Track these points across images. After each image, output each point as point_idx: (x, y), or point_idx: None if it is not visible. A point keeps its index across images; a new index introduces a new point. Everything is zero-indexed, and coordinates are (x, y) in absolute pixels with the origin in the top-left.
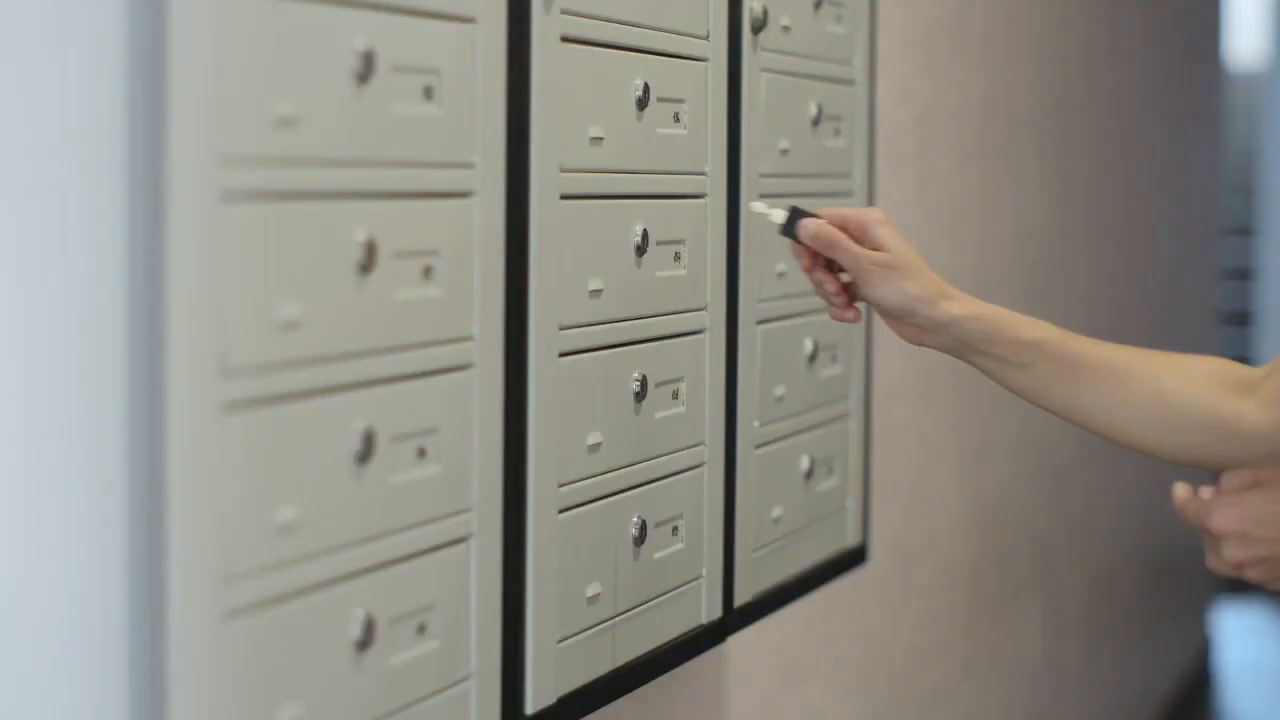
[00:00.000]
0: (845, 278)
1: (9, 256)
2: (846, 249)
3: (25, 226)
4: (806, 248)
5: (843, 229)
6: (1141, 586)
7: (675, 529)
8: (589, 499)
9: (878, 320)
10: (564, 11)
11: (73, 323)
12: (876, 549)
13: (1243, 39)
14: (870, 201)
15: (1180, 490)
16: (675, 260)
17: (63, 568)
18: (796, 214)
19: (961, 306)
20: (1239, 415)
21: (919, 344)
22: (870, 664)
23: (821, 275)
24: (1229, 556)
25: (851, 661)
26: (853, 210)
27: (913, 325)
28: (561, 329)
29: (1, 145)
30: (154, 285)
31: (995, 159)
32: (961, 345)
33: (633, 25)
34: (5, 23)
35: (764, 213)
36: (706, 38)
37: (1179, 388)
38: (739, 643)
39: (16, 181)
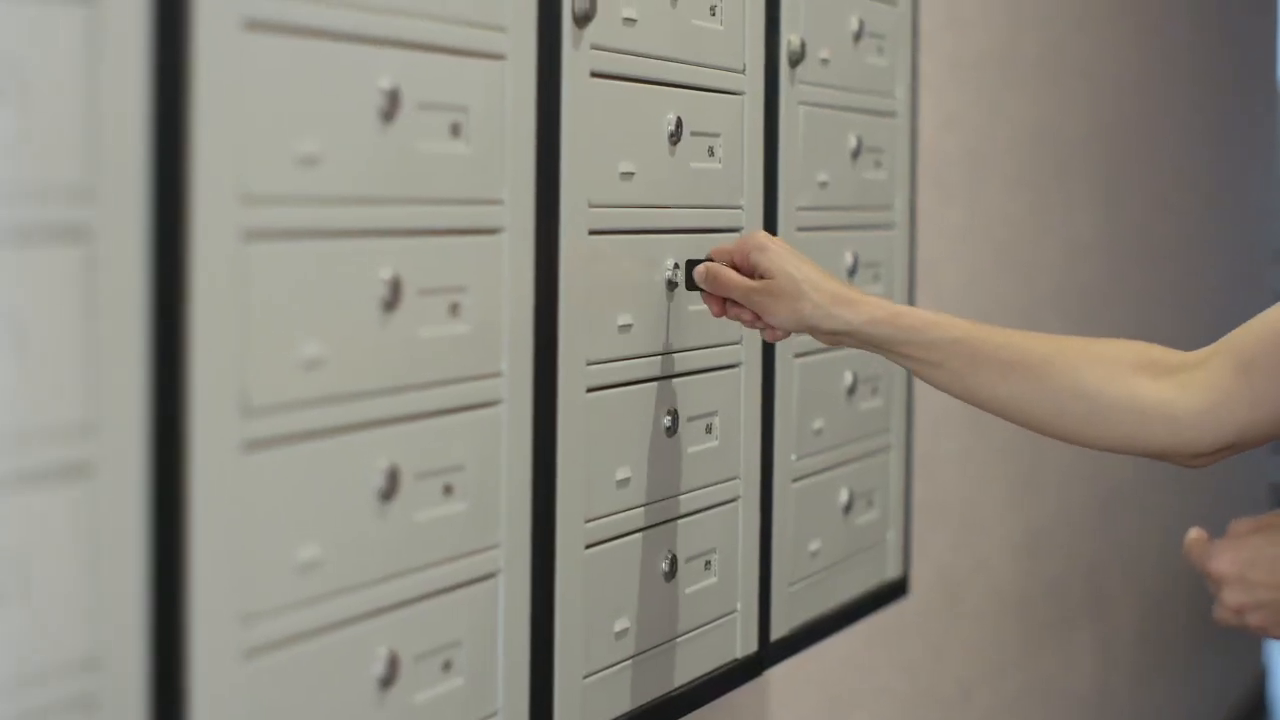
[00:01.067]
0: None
1: (29, 293)
2: (734, 285)
3: (45, 263)
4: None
5: (732, 263)
6: (1195, 614)
7: (708, 563)
8: (617, 534)
9: None
10: (594, 47)
11: (93, 361)
12: (923, 578)
13: None
14: (913, 232)
15: (1192, 533)
16: None
17: (81, 607)
18: (690, 265)
19: (861, 312)
20: (1162, 402)
21: (838, 345)
22: (915, 695)
23: (735, 311)
24: (1228, 601)
25: (896, 693)
26: (736, 242)
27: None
28: (590, 364)
29: (24, 182)
30: (174, 325)
31: (1045, 185)
32: (871, 348)
33: (665, 60)
34: (29, 59)
35: (674, 278)
36: (743, 71)
37: (1099, 378)
38: (781, 675)
39: (39, 218)
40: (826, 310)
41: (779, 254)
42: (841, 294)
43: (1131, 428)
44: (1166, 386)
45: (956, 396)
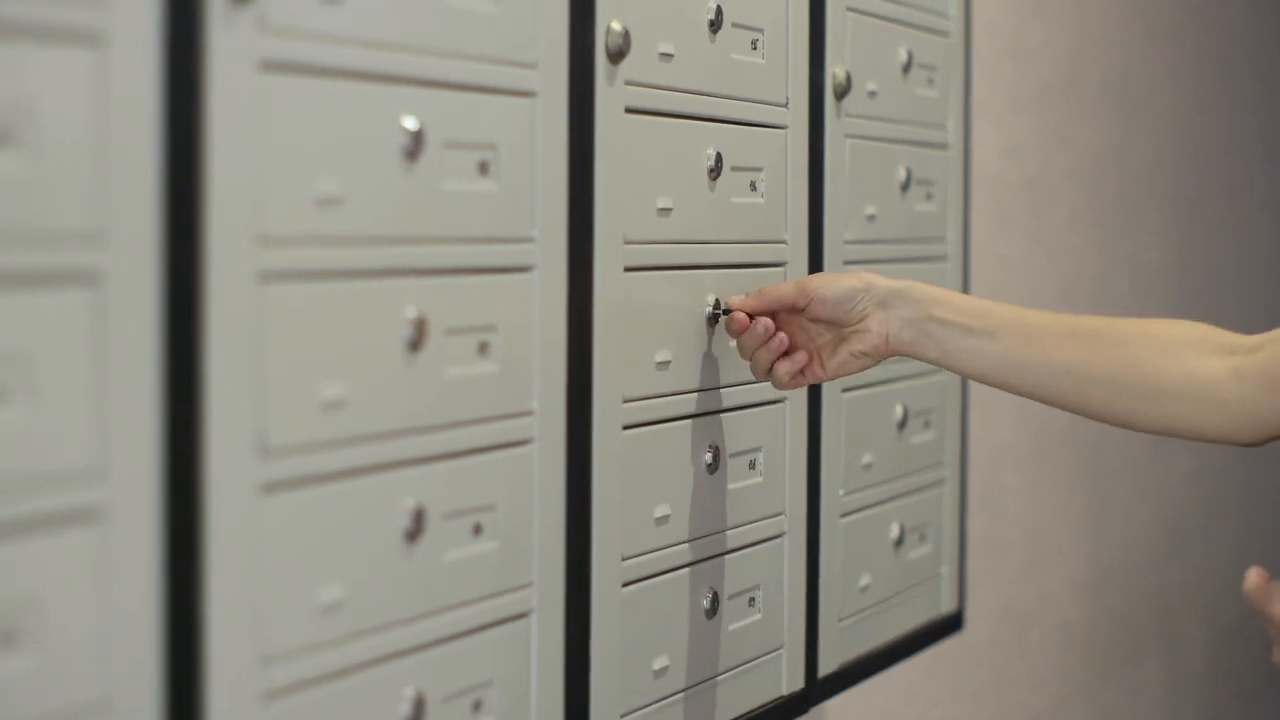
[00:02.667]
0: (797, 360)
1: (40, 336)
2: (782, 291)
3: (56, 307)
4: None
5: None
6: (1268, 647)
7: (752, 600)
8: (656, 571)
9: (974, 384)
10: (629, 83)
11: (104, 404)
12: (986, 611)
13: None
14: (967, 263)
15: (1253, 575)
16: None
17: (93, 650)
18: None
19: (907, 282)
20: (1216, 383)
21: (881, 354)
22: None
23: (781, 365)
24: None
25: None
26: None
27: (867, 324)
28: (627, 401)
29: (33, 226)
30: (189, 368)
31: (1111, 215)
32: (921, 319)
33: (704, 95)
34: (38, 102)
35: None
36: (786, 105)
37: (1154, 353)
38: (840, 709)
39: (49, 262)
40: (873, 281)
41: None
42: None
43: (1184, 407)
44: (1221, 367)
45: (994, 377)
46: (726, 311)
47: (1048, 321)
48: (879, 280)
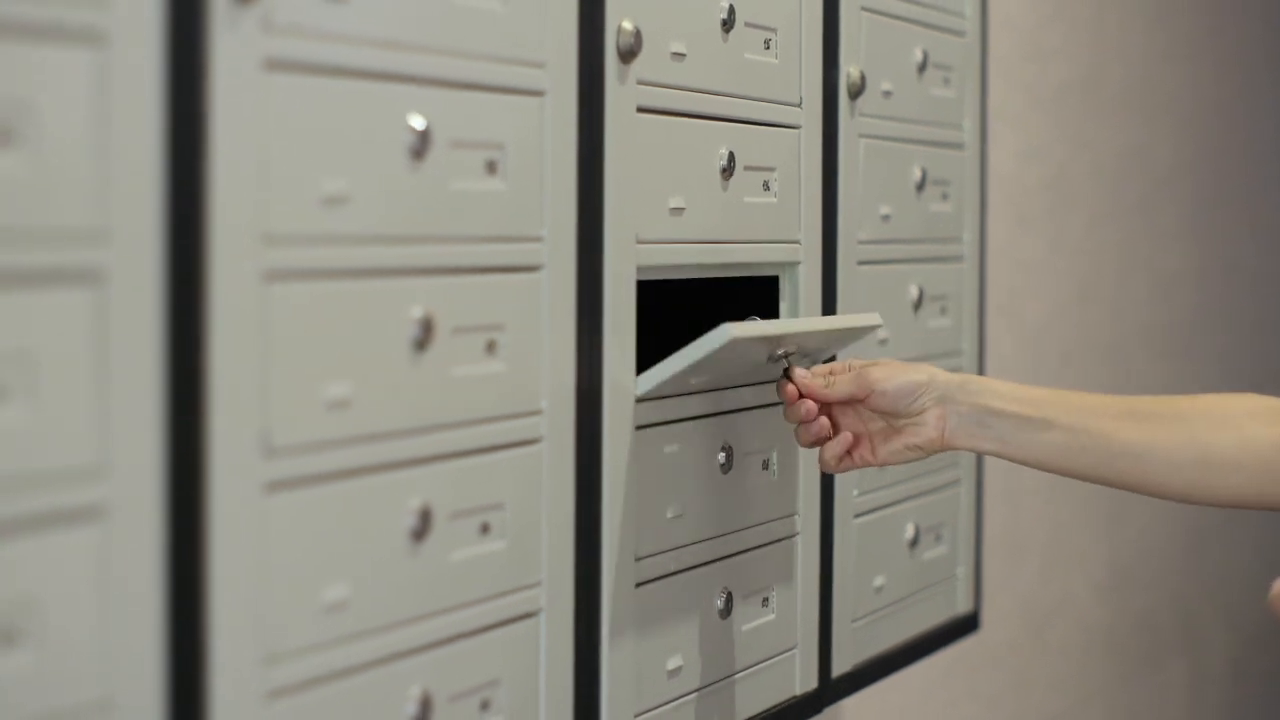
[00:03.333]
0: (843, 441)
1: (41, 335)
2: (836, 388)
3: (58, 306)
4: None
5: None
6: None
7: (766, 600)
8: (669, 571)
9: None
10: (640, 82)
11: (106, 403)
12: (1005, 613)
13: None
14: (983, 264)
15: (1276, 586)
16: None
17: (94, 649)
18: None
19: (965, 375)
20: (1277, 449)
21: (935, 449)
22: None
23: (828, 447)
24: None
25: None
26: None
27: (924, 419)
28: (639, 401)
29: (35, 225)
30: (192, 367)
31: (1131, 217)
32: (979, 412)
33: (716, 94)
34: (39, 101)
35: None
36: (799, 105)
37: (1210, 427)
38: (858, 709)
39: (50, 261)
40: (933, 374)
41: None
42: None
43: (1247, 477)
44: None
45: (1055, 464)
46: (786, 371)
47: (1103, 404)
48: (940, 375)
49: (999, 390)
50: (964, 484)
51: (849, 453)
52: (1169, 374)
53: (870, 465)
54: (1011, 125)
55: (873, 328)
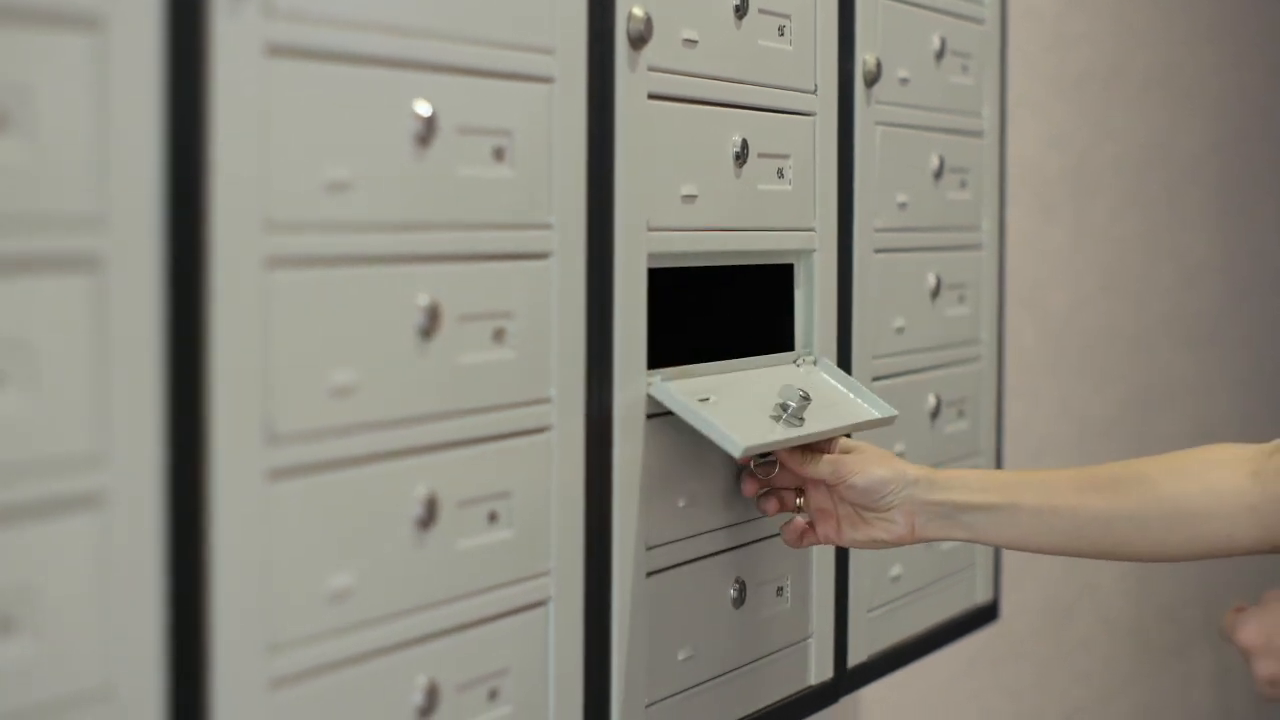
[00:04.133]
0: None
1: (39, 322)
2: (813, 467)
3: (55, 292)
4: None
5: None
6: None
7: (780, 589)
8: (680, 561)
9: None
10: (651, 69)
11: (105, 390)
12: (1028, 604)
13: None
14: (1002, 252)
15: (1229, 613)
16: None
17: (93, 637)
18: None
19: (929, 471)
20: (1238, 492)
21: (904, 542)
22: (1021, 719)
23: (788, 529)
24: (1258, 672)
25: (1000, 716)
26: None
27: (893, 515)
28: (650, 389)
29: (32, 211)
30: (193, 354)
31: (1155, 205)
32: (946, 506)
33: (729, 81)
34: (36, 86)
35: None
36: (814, 92)
37: (1172, 481)
38: (879, 700)
39: (48, 247)
40: (901, 470)
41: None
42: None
43: (1213, 525)
44: (1240, 475)
45: (1036, 545)
46: (765, 456)
47: (1066, 479)
48: (909, 471)
49: (965, 481)
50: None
51: (812, 527)
52: (1194, 364)
53: (832, 544)
54: (1034, 113)
55: (889, 419)
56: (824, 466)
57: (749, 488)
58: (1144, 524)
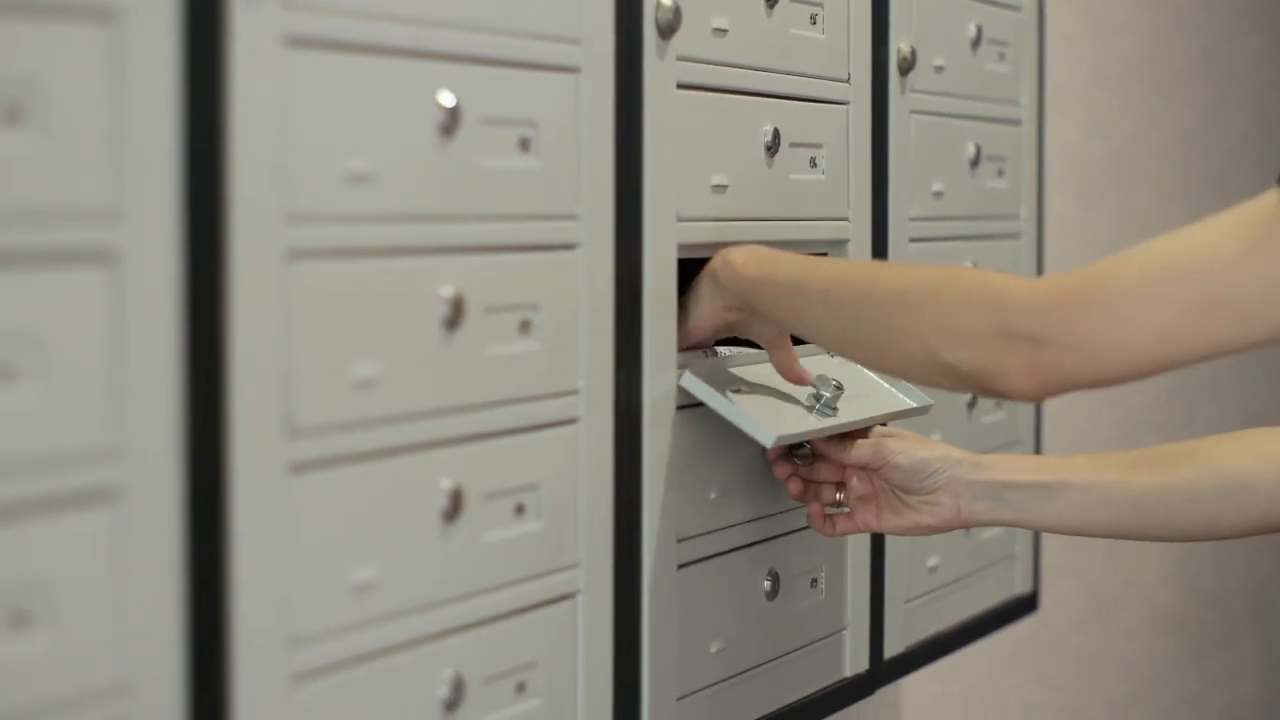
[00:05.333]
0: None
1: (54, 316)
2: (854, 451)
3: (71, 286)
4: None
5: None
6: None
7: (814, 581)
8: (712, 553)
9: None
10: (681, 58)
11: (121, 384)
12: (1070, 596)
13: None
14: (1040, 241)
15: None
16: None
17: (111, 632)
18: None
19: (975, 455)
20: None
21: (950, 526)
22: (1063, 712)
23: (814, 508)
24: None
25: (1043, 709)
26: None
27: (939, 498)
28: (680, 380)
29: (47, 204)
30: (212, 347)
31: (1199, 192)
32: (993, 486)
33: (759, 70)
34: (51, 80)
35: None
36: (847, 80)
37: (1224, 455)
38: (918, 689)
39: (62, 240)
40: (947, 451)
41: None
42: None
43: (1270, 496)
44: None
45: (1086, 524)
46: (799, 447)
47: (1115, 458)
48: (953, 453)
49: (1011, 464)
50: None
51: (849, 517)
52: (1237, 358)
53: (871, 530)
54: (1077, 101)
55: (924, 408)
56: (864, 450)
57: (782, 469)
58: (1198, 497)
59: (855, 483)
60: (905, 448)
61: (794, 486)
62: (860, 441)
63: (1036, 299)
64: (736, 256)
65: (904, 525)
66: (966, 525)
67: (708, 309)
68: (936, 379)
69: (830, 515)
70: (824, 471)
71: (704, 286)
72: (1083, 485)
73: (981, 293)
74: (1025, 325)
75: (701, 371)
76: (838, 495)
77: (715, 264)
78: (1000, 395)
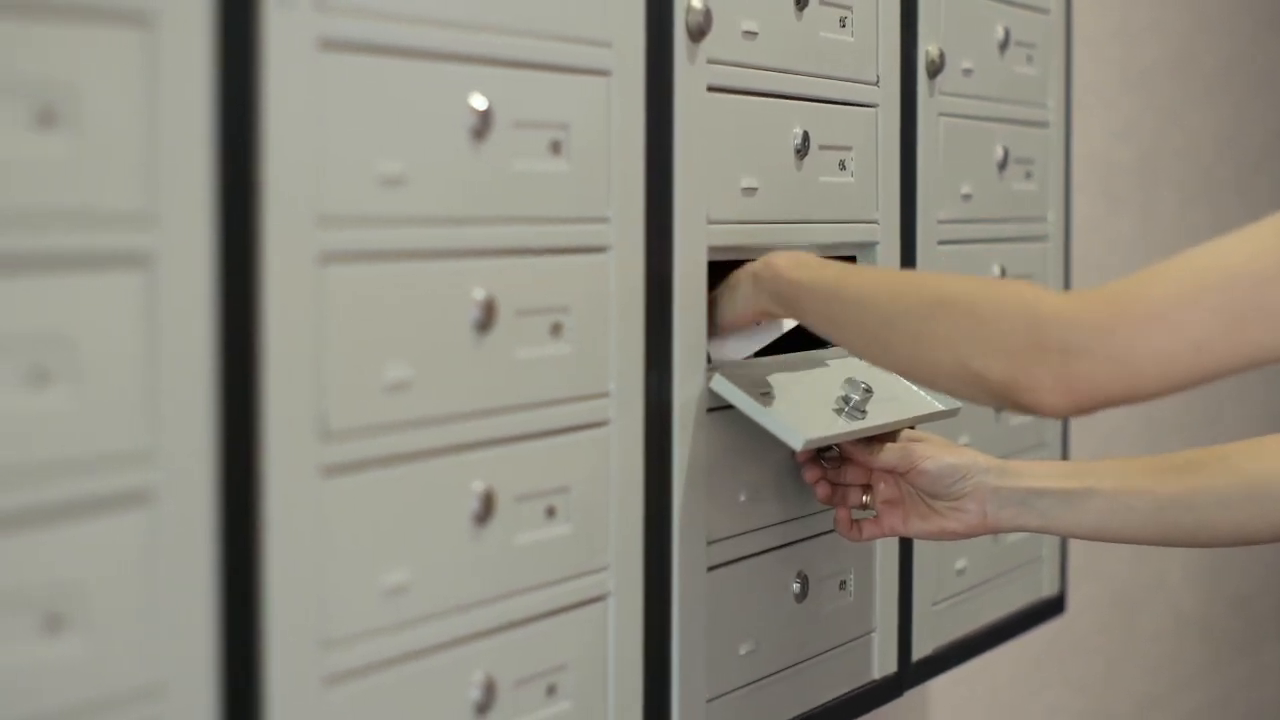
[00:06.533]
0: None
1: (88, 319)
2: (881, 455)
3: (105, 289)
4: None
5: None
6: None
7: (843, 583)
8: (742, 555)
9: None
10: (710, 61)
11: (155, 387)
12: (1096, 599)
13: None
14: (1068, 243)
15: None
16: None
17: (144, 634)
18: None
19: (1003, 460)
20: None
21: (976, 532)
22: (1088, 714)
23: (841, 512)
24: None
25: (1068, 712)
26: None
27: (965, 504)
28: (711, 382)
29: (82, 207)
30: (245, 350)
31: (1225, 196)
32: (1020, 493)
33: (789, 73)
34: (85, 83)
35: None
36: (876, 83)
37: (1253, 460)
38: (944, 692)
39: (97, 243)
40: (974, 458)
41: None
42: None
43: None
44: None
45: (1113, 531)
46: (827, 450)
47: (1142, 462)
48: (980, 459)
49: (1038, 470)
50: None
51: (876, 521)
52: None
53: (897, 535)
54: (1103, 103)
55: (952, 411)
56: (892, 454)
57: (811, 473)
58: (1224, 503)
59: (882, 487)
60: (933, 453)
61: (822, 490)
62: (889, 446)
63: (1070, 310)
64: (780, 260)
65: (930, 530)
66: (993, 531)
67: (746, 307)
68: (966, 390)
69: (856, 520)
70: (851, 475)
71: (744, 285)
72: (1109, 492)
73: (1015, 302)
74: (1058, 336)
75: (731, 374)
76: (864, 499)
77: (757, 265)
78: (1029, 410)
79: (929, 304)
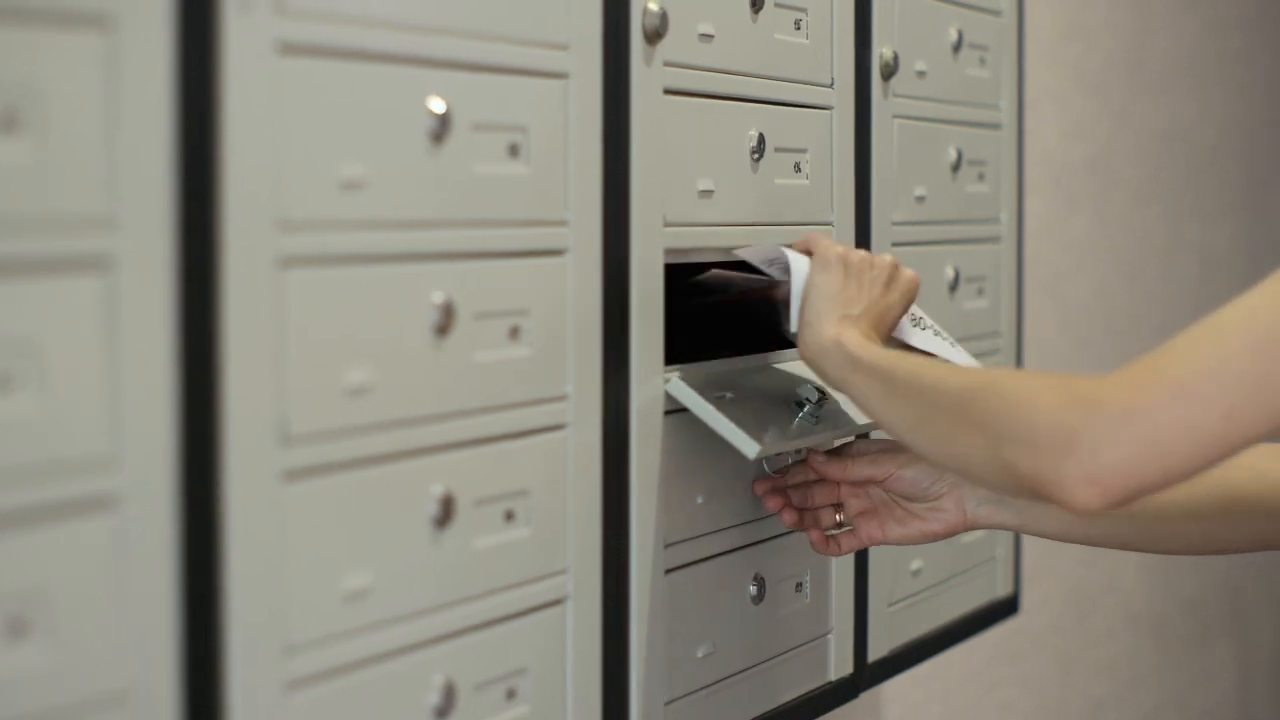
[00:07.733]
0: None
1: (50, 324)
2: (856, 467)
3: (66, 294)
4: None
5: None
6: None
7: (799, 585)
8: (699, 558)
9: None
10: (667, 64)
11: (116, 392)
12: (1049, 597)
13: None
14: (1021, 244)
15: None
16: None
17: (107, 640)
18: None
19: None
20: None
21: (956, 531)
22: (1042, 713)
23: (814, 533)
24: None
25: (1021, 710)
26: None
27: (943, 504)
28: (667, 385)
29: (42, 212)
30: (205, 354)
31: (1177, 194)
32: (994, 492)
33: (746, 75)
34: (46, 87)
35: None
36: (831, 85)
37: (1225, 468)
38: (898, 693)
39: (58, 248)
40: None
41: None
42: None
43: (1267, 514)
44: None
45: (1085, 534)
46: (799, 454)
47: None
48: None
49: None
50: None
51: (853, 534)
52: None
53: (875, 544)
54: (1055, 104)
55: None
56: (867, 465)
57: (773, 502)
58: (1196, 514)
59: (852, 501)
60: (907, 457)
61: (789, 517)
62: (857, 458)
63: (1095, 396)
64: (851, 335)
65: (909, 534)
66: (973, 528)
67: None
68: (999, 479)
69: (832, 535)
70: (819, 495)
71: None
72: None
73: (1047, 393)
74: (1085, 429)
75: (689, 378)
76: (837, 517)
77: (840, 332)
78: (1062, 507)
79: (970, 388)
